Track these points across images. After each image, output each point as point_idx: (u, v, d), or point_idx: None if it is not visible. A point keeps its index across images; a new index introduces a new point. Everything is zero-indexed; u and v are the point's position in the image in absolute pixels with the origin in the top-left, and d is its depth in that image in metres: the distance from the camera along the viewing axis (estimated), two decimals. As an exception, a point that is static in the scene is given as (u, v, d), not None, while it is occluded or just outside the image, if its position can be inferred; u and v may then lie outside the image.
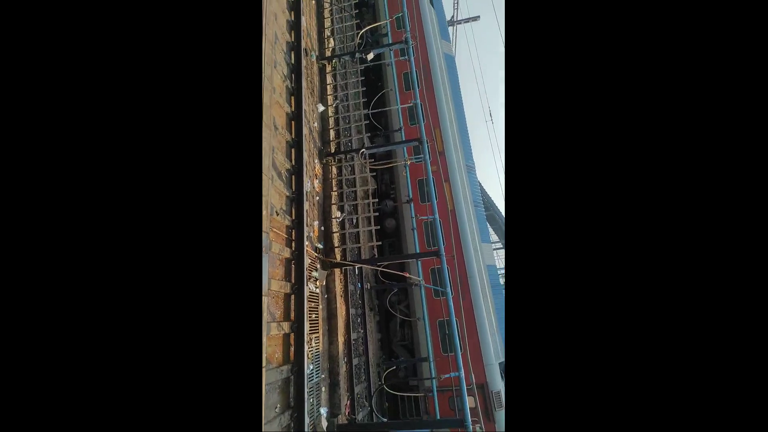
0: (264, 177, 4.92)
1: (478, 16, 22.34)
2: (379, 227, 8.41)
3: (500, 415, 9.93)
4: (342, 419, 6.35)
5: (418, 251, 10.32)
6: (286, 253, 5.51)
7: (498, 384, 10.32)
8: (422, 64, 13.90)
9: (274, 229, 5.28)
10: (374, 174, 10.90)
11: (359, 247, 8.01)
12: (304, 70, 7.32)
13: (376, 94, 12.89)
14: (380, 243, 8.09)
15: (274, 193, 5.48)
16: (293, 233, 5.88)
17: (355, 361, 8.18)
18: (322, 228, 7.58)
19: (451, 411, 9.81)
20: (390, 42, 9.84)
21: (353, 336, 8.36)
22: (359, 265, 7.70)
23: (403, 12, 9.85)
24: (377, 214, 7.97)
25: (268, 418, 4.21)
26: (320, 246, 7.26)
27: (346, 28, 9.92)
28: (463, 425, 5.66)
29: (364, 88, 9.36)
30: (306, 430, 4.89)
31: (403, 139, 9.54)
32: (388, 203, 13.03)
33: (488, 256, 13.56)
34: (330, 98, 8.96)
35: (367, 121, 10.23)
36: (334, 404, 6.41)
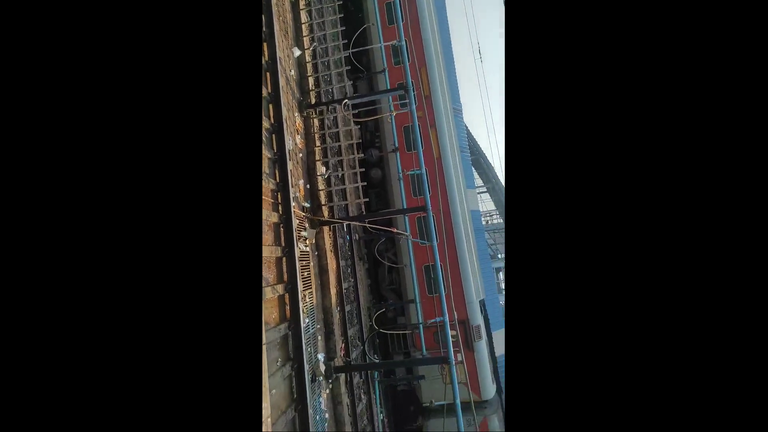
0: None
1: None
2: (365, 183, 8.33)
3: (479, 345, 11.16)
4: (338, 361, 7.03)
5: (404, 202, 10.47)
6: (274, 218, 5.50)
7: (478, 319, 11.39)
8: (406, -8, 12.47)
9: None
10: (358, 125, 10.44)
11: (347, 204, 8.03)
12: (275, 9, 6.48)
13: (356, 28, 11.68)
14: (367, 199, 8.11)
15: (255, 157, 5.26)
16: (279, 196, 5.79)
17: (347, 308, 8.77)
18: (308, 186, 7.47)
19: (435, 344, 10.93)
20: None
21: (344, 285, 8.83)
22: (348, 222, 7.80)
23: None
24: (363, 169, 7.83)
25: (270, 372, 4.63)
26: (307, 205, 7.23)
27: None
28: (446, 361, 6.40)
29: (344, 28, 8.45)
30: (306, 376, 5.43)
31: (387, 88, 8.99)
32: (374, 153, 12.72)
33: (472, 202, 13.91)
34: (306, 40, 8.11)
35: (348, 66, 9.45)
36: (330, 349, 7.02)
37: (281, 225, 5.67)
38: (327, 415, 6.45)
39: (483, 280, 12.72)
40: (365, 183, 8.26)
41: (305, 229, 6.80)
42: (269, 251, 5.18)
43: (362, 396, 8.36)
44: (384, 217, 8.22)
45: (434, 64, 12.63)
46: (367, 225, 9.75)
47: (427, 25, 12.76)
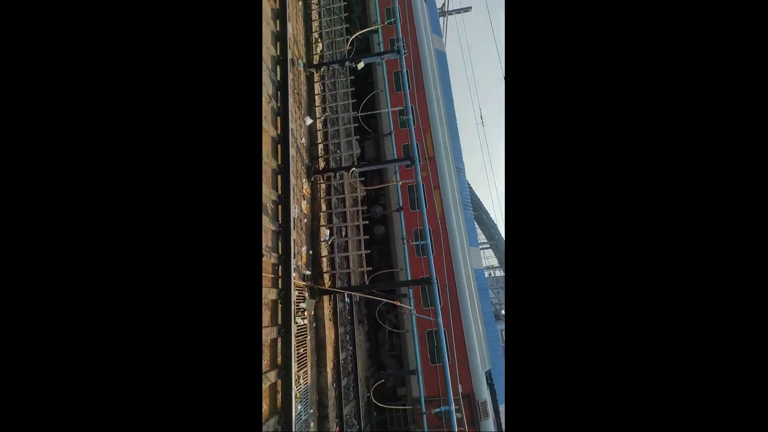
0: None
1: (470, 7, 21.59)
2: (369, 251, 8.15)
3: (486, 424, 10.17)
4: (331, 453, 6.28)
5: (407, 263, 10.20)
6: (272, 295, 5.23)
7: (484, 393, 10.52)
8: (413, 62, 13.36)
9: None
10: (363, 179, 10.58)
11: (349, 273, 7.78)
12: (290, 83, 6.81)
13: (366, 91, 12.34)
14: (371, 268, 7.88)
15: (258, 232, 5.14)
16: (279, 270, 5.58)
17: (344, 382, 8.10)
18: (310, 252, 7.28)
19: (438, 421, 9.97)
20: (382, 50, 9.30)
21: (342, 356, 8.25)
22: (349, 292, 7.49)
23: (395, 18, 9.26)
24: (367, 237, 7.70)
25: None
26: (308, 273, 6.98)
27: (335, 33, 9.30)
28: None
29: (353, 89, 8.86)
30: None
31: (393, 148, 9.20)
32: (378, 210, 12.75)
33: (476, 260, 13.63)
34: (318, 109, 8.47)
35: (356, 124, 9.79)
36: (323, 437, 6.32)
37: (279, 302, 5.37)
38: None
39: (488, 346, 12.01)
40: (368, 250, 8.06)
41: (304, 300, 6.48)
42: (265, 333, 4.83)
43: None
44: (387, 288, 7.91)
45: (438, 127, 13.14)
46: (369, 296, 9.43)
47: (431, 91, 13.50)
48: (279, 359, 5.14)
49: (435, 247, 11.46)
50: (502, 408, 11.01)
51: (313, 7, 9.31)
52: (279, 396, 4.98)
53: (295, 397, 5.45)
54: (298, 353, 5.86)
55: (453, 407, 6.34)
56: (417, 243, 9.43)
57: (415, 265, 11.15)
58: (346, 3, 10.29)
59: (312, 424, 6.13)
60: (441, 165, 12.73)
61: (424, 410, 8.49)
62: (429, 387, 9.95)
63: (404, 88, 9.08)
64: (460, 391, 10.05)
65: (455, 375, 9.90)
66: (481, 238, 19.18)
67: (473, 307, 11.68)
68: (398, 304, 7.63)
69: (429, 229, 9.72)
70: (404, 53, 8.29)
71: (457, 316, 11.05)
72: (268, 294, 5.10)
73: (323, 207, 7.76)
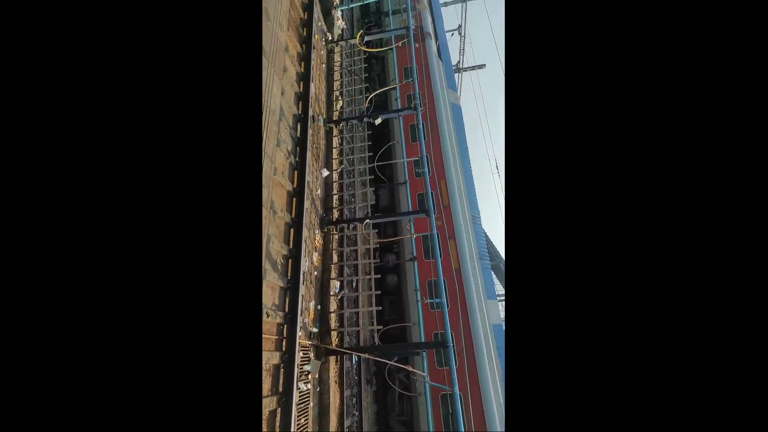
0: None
1: (484, 65, 22.79)
2: (380, 308, 7.78)
3: None
4: None
5: (421, 321, 9.66)
6: (275, 359, 4.89)
7: (504, 471, 9.28)
8: (429, 115, 13.83)
9: (263, 335, 4.69)
10: (377, 230, 10.47)
11: (358, 331, 7.36)
12: (310, 138, 7.03)
13: (382, 141, 12.69)
14: (381, 327, 7.45)
15: (266, 289, 4.94)
16: (285, 330, 5.28)
17: (347, 454, 7.30)
18: (319, 307, 6.98)
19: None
20: (399, 107, 9.67)
21: (347, 423, 7.53)
22: (357, 354, 7.02)
23: (413, 77, 9.73)
24: (379, 292, 7.38)
25: None
26: (315, 330, 6.62)
27: (355, 91, 9.81)
28: None
29: (370, 143, 9.09)
30: None
31: (409, 207, 9.16)
32: (391, 258, 12.47)
33: (494, 314, 12.84)
34: (335, 162, 8.65)
35: (372, 176, 9.92)
36: None
37: (282, 366, 5.01)
38: None
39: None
40: (380, 306, 7.69)
41: (308, 362, 6.06)
42: (263, 405, 4.43)
43: None
44: (399, 351, 7.40)
45: (453, 176, 13.20)
46: (379, 358, 8.87)
47: (446, 142, 13.79)
48: (277, 434, 4.65)
49: (450, 301, 10.91)
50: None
51: (336, 68, 9.94)
52: (273, 479, 4.43)
53: (292, 480, 4.85)
54: (298, 424, 5.34)
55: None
56: (432, 301, 8.97)
57: (428, 320, 10.55)
58: (366, 65, 11.00)
59: None
60: (456, 213, 12.57)
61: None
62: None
63: (420, 140, 9.26)
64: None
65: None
66: (499, 288, 18.30)
67: (492, 367, 10.77)
68: (410, 369, 7.05)
69: (444, 281, 9.29)
70: (420, 110, 8.56)
71: (474, 377, 10.16)
72: (270, 359, 4.77)
73: (335, 258, 7.59)
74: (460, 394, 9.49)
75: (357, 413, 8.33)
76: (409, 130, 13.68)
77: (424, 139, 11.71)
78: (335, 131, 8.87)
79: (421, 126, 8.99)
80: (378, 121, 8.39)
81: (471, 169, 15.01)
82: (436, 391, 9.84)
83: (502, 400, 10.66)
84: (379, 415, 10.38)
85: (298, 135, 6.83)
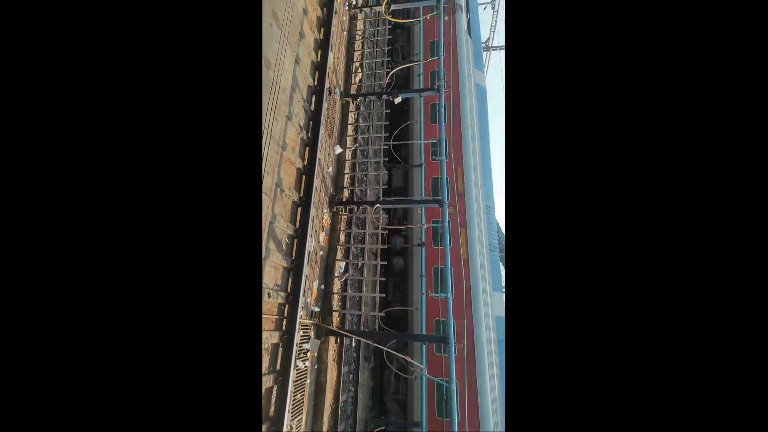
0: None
1: (516, 44, 21.33)
2: (384, 294, 7.71)
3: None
4: None
5: (423, 302, 9.62)
6: (274, 338, 4.88)
7: (493, 462, 9.48)
8: (452, 96, 13.17)
9: (264, 315, 4.65)
10: (387, 215, 10.26)
11: (360, 315, 7.33)
12: (324, 112, 6.72)
13: (401, 118, 12.19)
14: (383, 314, 7.40)
15: (269, 269, 4.86)
16: (286, 310, 5.24)
17: (340, 427, 7.52)
18: (322, 287, 6.94)
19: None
20: (421, 85, 9.13)
21: (342, 398, 7.70)
22: (357, 338, 7.03)
23: (439, 55, 9.11)
24: (383, 279, 7.27)
25: None
26: (317, 309, 6.62)
27: (377, 64, 9.28)
28: None
29: (388, 122, 8.71)
30: None
31: (422, 191, 8.84)
32: (399, 241, 12.32)
33: (498, 307, 12.75)
34: (349, 139, 8.33)
35: (386, 157, 9.60)
36: (308, 499, 5.74)
37: (281, 345, 5.01)
38: None
39: (503, 404, 10.97)
40: (383, 293, 7.61)
41: (308, 341, 6.08)
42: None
43: None
44: (400, 339, 7.37)
45: (470, 164, 12.70)
46: (379, 324, 8.93)
47: (467, 127, 13.17)
48: (272, 410, 4.72)
49: (455, 290, 10.80)
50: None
51: (357, 37, 9.38)
52: (265, 453, 4.53)
53: (283, 454, 4.97)
54: (294, 399, 5.43)
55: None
56: (436, 295, 8.85)
57: (431, 306, 10.52)
58: (390, 36, 10.34)
59: (298, 482, 5.58)
60: (470, 203, 12.20)
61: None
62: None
63: (440, 123, 8.79)
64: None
65: (463, 434, 9.00)
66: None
67: (491, 359, 10.79)
68: (408, 359, 7.04)
69: (451, 270, 9.16)
70: (444, 92, 8.06)
71: (471, 367, 10.21)
72: (269, 338, 4.76)
73: (342, 239, 7.46)
74: (456, 383, 9.57)
75: (353, 389, 8.51)
76: (429, 109, 13.09)
77: (444, 122, 11.18)
78: (352, 106, 8.48)
79: (443, 108, 8.52)
80: (398, 100, 7.95)
81: (490, 157, 14.42)
82: (432, 374, 9.95)
83: (497, 392, 10.74)
84: (375, 391, 10.63)
85: (312, 108, 6.51)
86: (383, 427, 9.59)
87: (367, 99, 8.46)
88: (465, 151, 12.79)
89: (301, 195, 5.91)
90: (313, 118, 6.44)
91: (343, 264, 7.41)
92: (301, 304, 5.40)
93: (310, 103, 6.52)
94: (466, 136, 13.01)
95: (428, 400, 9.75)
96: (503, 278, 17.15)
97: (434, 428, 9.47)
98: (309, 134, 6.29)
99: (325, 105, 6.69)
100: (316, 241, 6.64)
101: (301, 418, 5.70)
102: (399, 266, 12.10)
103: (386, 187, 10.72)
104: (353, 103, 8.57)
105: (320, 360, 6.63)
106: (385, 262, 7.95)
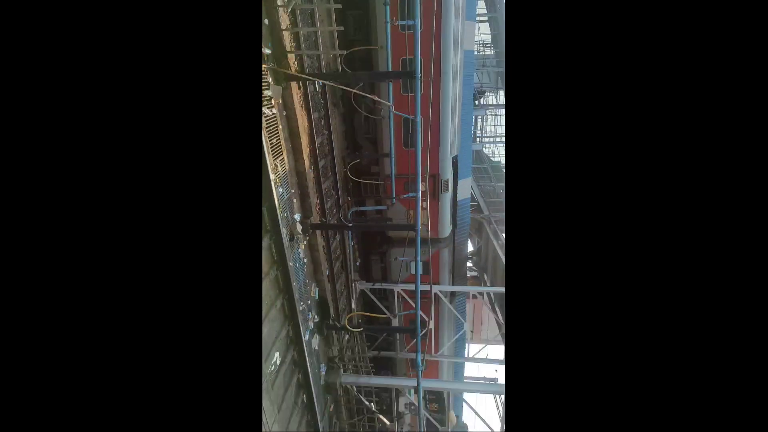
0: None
1: None
2: (342, 27, 6.51)
3: (444, 196, 12.24)
4: (315, 219, 7.62)
5: (389, 41, 8.62)
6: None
7: (447, 174, 12.00)
8: None
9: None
10: None
11: (319, 55, 6.55)
12: None
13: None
14: (344, 52, 6.57)
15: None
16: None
17: (321, 163, 8.72)
18: (266, 21, 5.76)
19: (406, 191, 11.75)
20: None
21: (318, 140, 8.44)
22: (320, 81, 6.59)
23: None
24: (339, 6, 5.94)
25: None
26: (269, 52, 5.82)
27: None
28: (413, 229, 7.11)
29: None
30: (284, 239, 5.97)
31: None
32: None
33: (469, 38, 11.94)
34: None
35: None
36: (306, 209, 7.45)
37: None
38: (306, 260, 7.58)
39: (461, 132, 12.57)
40: (341, 26, 6.45)
41: (269, 87, 5.76)
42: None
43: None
44: (368, 80, 6.88)
45: None
46: (343, 64, 8.35)
47: None
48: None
49: (424, 21, 9.35)
50: (461, 182, 12.87)
51: None
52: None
53: (275, 183, 5.91)
54: (271, 143, 5.83)
55: (419, 188, 7.26)
56: (403, 23, 7.58)
57: (398, 43, 9.48)
58: None
59: (295, 201, 7.03)
60: None
61: (394, 198, 9.72)
62: (400, 167, 11.03)
63: None
64: (428, 170, 11.32)
65: (425, 159, 10.80)
66: (481, 5, 15.72)
67: (455, 93, 11.20)
68: (375, 98, 7.04)
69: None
70: None
71: (436, 102, 10.71)
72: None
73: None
74: (421, 119, 10.32)
75: (326, 132, 9.16)
76: None
77: None
78: None
79: None
80: None
81: None
82: (399, 109, 10.56)
83: (457, 123, 11.87)
84: (347, 133, 11.59)
85: None
86: (358, 160, 11.23)
87: None
88: None
89: None
90: None
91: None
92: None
93: None
94: None
95: (396, 135, 10.86)
96: (478, 4, 14.80)
97: (401, 156, 11.16)
98: None
99: None
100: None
101: (283, 158, 6.37)
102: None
103: None
104: None
105: (287, 107, 6.59)
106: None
